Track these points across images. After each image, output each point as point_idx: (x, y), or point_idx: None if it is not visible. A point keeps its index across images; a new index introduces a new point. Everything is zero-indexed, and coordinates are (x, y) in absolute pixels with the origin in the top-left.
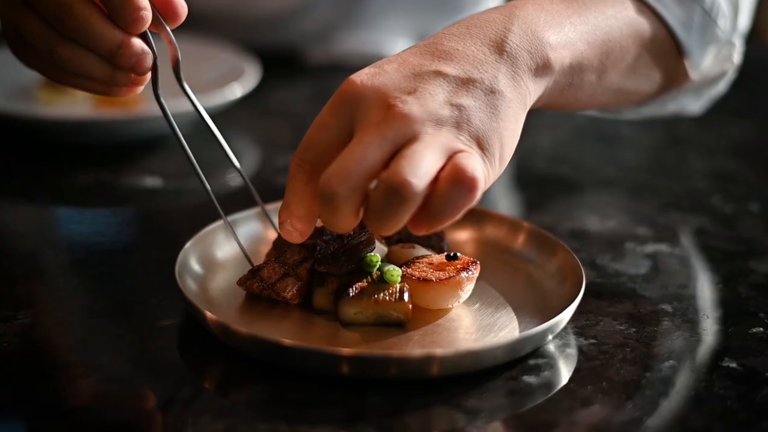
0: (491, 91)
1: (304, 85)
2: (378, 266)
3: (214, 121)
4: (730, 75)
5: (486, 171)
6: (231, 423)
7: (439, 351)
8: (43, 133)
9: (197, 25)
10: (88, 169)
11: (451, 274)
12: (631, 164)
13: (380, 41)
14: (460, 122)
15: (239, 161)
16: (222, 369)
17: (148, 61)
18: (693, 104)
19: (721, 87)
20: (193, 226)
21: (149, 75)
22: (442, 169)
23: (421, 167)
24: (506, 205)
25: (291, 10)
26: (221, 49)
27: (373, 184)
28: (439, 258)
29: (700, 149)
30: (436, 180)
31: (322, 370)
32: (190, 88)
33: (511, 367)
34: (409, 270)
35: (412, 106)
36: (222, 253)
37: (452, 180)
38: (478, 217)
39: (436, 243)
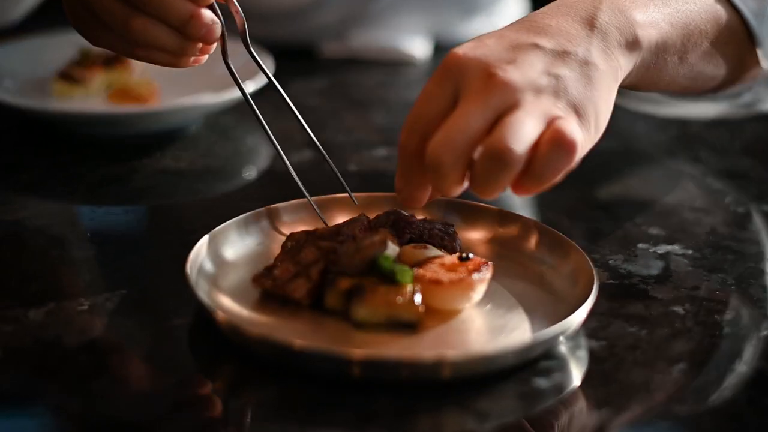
0: (585, 63)
1: (319, 80)
2: (390, 267)
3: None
4: None
5: (583, 137)
6: (240, 425)
7: (450, 354)
8: (57, 126)
9: None
10: (102, 164)
11: (463, 276)
12: (643, 163)
13: (395, 36)
14: (557, 90)
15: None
16: (233, 369)
17: (218, 31)
18: (767, 99)
19: None
20: (207, 222)
21: (215, 45)
22: (542, 135)
23: (522, 133)
24: (519, 204)
25: (306, 4)
26: (235, 43)
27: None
28: (451, 259)
29: (713, 148)
30: (536, 145)
31: (332, 372)
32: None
33: (521, 369)
34: (421, 271)
35: (512, 74)
36: (234, 251)
37: (553, 143)
38: (490, 217)
39: (448, 243)
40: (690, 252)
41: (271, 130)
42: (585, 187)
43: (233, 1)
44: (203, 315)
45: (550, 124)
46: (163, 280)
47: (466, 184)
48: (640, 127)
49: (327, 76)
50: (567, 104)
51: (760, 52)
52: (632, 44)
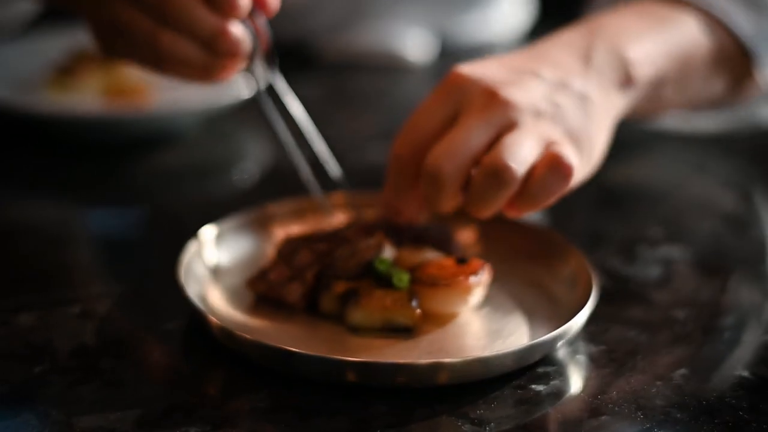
0: (583, 97)
1: (316, 83)
2: (386, 270)
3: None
4: None
5: (578, 164)
6: (232, 430)
7: (447, 359)
8: (51, 128)
9: None
10: (96, 166)
11: (460, 279)
12: (644, 165)
13: (393, 36)
14: (555, 117)
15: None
16: (225, 374)
17: (246, 47)
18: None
19: None
20: (202, 225)
21: (242, 61)
22: (539, 158)
23: (522, 153)
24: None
25: (305, 2)
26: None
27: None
28: (448, 262)
29: (714, 150)
30: (532, 167)
31: (327, 377)
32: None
33: (519, 375)
34: (417, 274)
35: (514, 94)
36: (229, 254)
37: (549, 166)
38: (488, 219)
39: (446, 246)
40: (690, 255)
41: (266, 132)
42: (584, 190)
43: (259, 21)
44: (197, 319)
45: (548, 148)
46: (157, 284)
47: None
48: (639, 130)
49: (325, 81)
50: (564, 131)
51: (756, 70)
52: (626, 83)
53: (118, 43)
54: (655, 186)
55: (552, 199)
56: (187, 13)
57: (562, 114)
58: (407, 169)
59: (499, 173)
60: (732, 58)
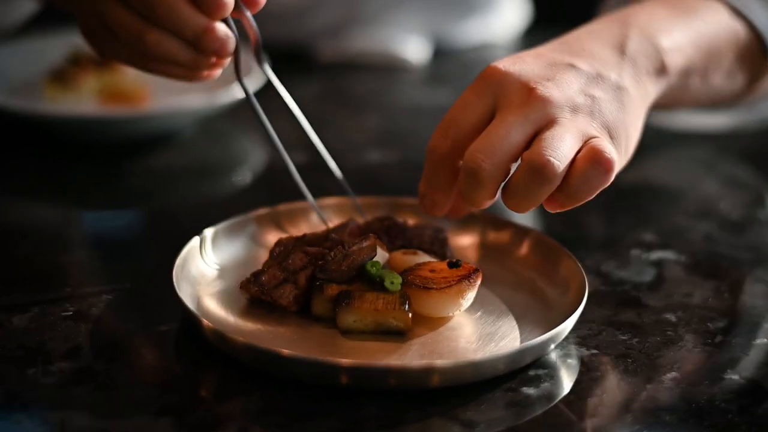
0: (618, 88)
1: (313, 84)
2: (378, 273)
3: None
4: None
5: (617, 157)
6: None
7: (439, 362)
8: (48, 129)
9: None
10: (92, 167)
11: (452, 282)
12: (638, 168)
13: (391, 38)
14: (593, 111)
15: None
16: (218, 377)
17: (232, 45)
18: None
19: None
20: (197, 227)
21: (228, 59)
22: (578, 153)
23: (562, 149)
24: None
25: (301, 5)
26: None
27: (514, 166)
28: (440, 265)
29: (708, 154)
30: (572, 162)
31: (320, 380)
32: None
33: (510, 378)
34: (410, 277)
35: (552, 90)
36: (223, 257)
37: (590, 161)
38: (481, 222)
39: (438, 249)
40: (684, 258)
41: (262, 132)
42: None
43: (247, 16)
44: (190, 321)
45: (586, 142)
46: (151, 286)
47: (496, 197)
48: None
49: (322, 82)
50: (601, 125)
51: None
52: (660, 71)
53: (107, 42)
54: (654, 188)
55: (593, 194)
56: (173, 12)
57: (599, 107)
58: (444, 163)
59: (540, 169)
60: (751, 52)
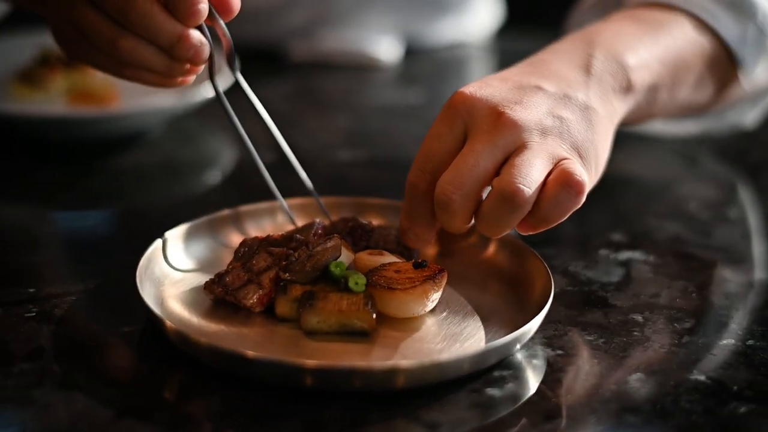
0: (586, 107)
1: (285, 83)
2: (342, 274)
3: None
4: None
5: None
6: None
7: (403, 363)
8: (16, 129)
9: None
10: (60, 167)
11: (417, 283)
12: (606, 169)
13: (363, 37)
14: (562, 132)
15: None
16: (181, 378)
17: (206, 52)
18: (748, 114)
19: None
20: (163, 228)
21: (203, 66)
22: (549, 175)
23: (531, 175)
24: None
25: (273, 4)
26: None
27: (486, 191)
28: (406, 266)
29: (678, 154)
30: (543, 185)
31: (284, 381)
32: None
33: (474, 379)
34: (374, 278)
35: (520, 113)
36: (188, 257)
37: (561, 184)
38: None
39: (405, 250)
40: (652, 259)
41: (233, 132)
42: None
43: (220, 24)
44: (153, 322)
45: (557, 165)
46: (117, 286)
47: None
48: (619, 133)
49: (294, 81)
50: (571, 146)
51: (741, 74)
52: (626, 89)
53: (80, 47)
54: (625, 188)
55: (565, 216)
56: (147, 19)
57: (568, 127)
58: (425, 198)
59: (510, 197)
60: (719, 63)
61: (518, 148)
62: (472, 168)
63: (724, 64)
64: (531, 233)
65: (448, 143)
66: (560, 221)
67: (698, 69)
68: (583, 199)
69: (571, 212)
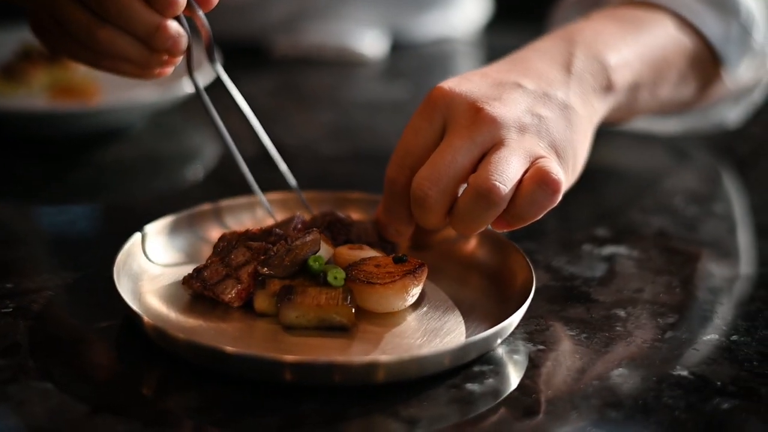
0: (565, 107)
1: (268, 78)
2: (320, 268)
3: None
4: (765, 83)
5: (564, 177)
6: (160, 431)
7: (383, 357)
8: None
9: None
10: (42, 162)
11: (397, 277)
12: (592, 162)
13: (348, 32)
14: (540, 130)
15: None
16: (159, 373)
17: (184, 43)
18: (732, 113)
19: (757, 95)
20: (143, 222)
21: (180, 57)
22: (525, 173)
23: (508, 173)
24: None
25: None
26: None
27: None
28: (386, 260)
29: (663, 149)
30: (519, 183)
31: (262, 376)
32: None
33: (454, 374)
34: (354, 272)
35: (499, 110)
36: (167, 252)
37: (537, 182)
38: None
39: (386, 244)
40: (636, 253)
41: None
42: None
43: (199, 15)
44: (131, 318)
45: (533, 163)
46: (95, 282)
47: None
48: (601, 131)
49: (277, 76)
50: (549, 144)
51: (724, 72)
52: (607, 88)
53: (58, 39)
54: (609, 183)
55: (541, 214)
56: (125, 9)
57: (547, 126)
58: (404, 193)
59: (486, 194)
60: (702, 61)
61: (495, 144)
62: (449, 164)
63: (707, 62)
64: (506, 230)
65: (426, 138)
66: (535, 219)
67: (680, 67)
68: (559, 198)
69: (547, 211)
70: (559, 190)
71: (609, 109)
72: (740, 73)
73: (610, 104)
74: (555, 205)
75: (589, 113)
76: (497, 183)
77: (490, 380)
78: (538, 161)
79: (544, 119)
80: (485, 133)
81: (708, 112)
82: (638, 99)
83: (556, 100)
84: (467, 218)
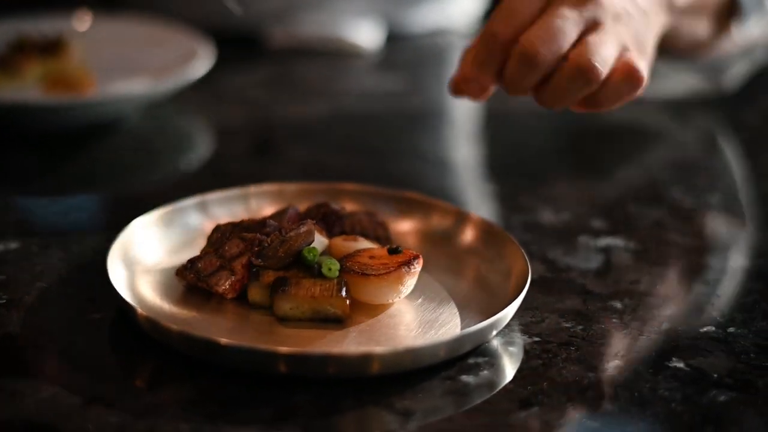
0: (645, 13)
1: (262, 70)
2: (315, 259)
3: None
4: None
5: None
6: (153, 423)
7: (377, 349)
8: None
9: (149, 5)
10: (36, 154)
11: (392, 269)
12: (589, 153)
13: (342, 23)
14: (629, 24)
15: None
16: (152, 365)
17: None
18: (731, 72)
19: (758, 54)
20: (137, 214)
21: None
22: (616, 62)
23: (606, 56)
24: (456, 195)
25: None
26: (174, 31)
27: None
28: (381, 251)
29: (659, 139)
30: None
31: (256, 368)
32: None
33: (449, 366)
34: (348, 263)
35: None
36: (160, 243)
37: (625, 74)
38: (424, 208)
39: (381, 234)
40: (632, 245)
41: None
42: (526, 179)
43: None
44: (124, 309)
45: (622, 54)
46: (88, 273)
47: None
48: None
49: (271, 68)
50: (635, 39)
51: (734, 27)
52: (669, 7)
53: None
54: (607, 176)
55: (618, 105)
56: None
57: (634, 23)
58: (503, 49)
59: (586, 72)
60: (721, 8)
61: (596, 25)
62: (559, 29)
63: (723, 11)
64: (582, 111)
65: (533, 2)
66: (611, 108)
67: (710, 10)
68: (641, 93)
69: (625, 102)
70: (642, 85)
71: (666, 27)
72: (748, 27)
73: (668, 22)
74: (634, 99)
75: (657, 25)
76: (597, 65)
77: (485, 372)
78: (625, 54)
79: (632, 16)
80: (591, 11)
81: (708, 71)
82: (682, 28)
83: (639, 7)
84: (559, 92)
